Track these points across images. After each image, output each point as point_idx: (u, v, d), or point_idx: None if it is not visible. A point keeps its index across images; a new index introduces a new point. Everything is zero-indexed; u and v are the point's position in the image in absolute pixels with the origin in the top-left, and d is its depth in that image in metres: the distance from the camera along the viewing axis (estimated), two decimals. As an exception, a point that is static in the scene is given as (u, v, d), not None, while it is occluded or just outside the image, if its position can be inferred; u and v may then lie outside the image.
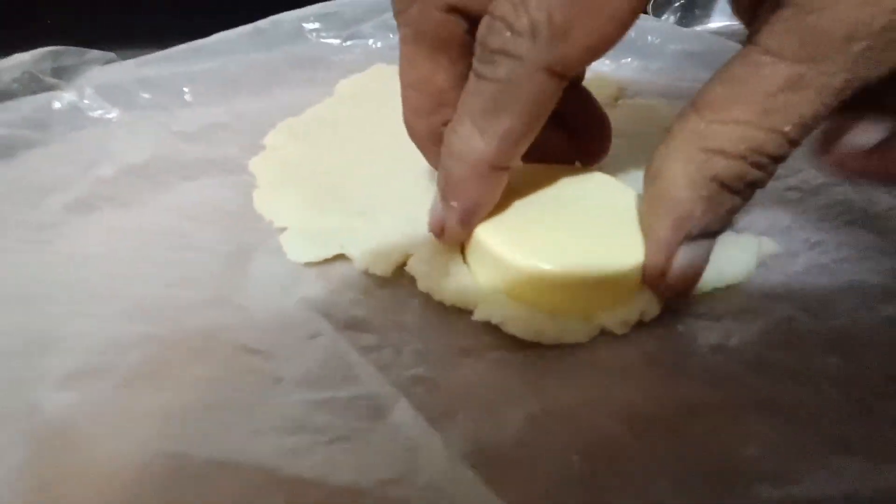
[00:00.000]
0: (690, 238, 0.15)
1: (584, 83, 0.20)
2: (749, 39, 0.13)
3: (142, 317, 0.17)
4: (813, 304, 0.18)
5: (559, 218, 0.17)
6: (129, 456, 0.13)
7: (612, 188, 0.19)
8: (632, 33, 0.14)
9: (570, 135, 0.20)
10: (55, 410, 0.14)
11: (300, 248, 0.20)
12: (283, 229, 0.21)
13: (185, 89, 0.30)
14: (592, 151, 0.21)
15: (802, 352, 0.16)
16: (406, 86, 0.17)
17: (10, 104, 0.28)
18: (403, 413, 0.14)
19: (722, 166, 0.14)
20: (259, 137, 0.26)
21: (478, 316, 0.16)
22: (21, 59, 0.33)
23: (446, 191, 0.16)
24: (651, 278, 0.16)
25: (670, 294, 0.16)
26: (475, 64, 0.15)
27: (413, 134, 0.18)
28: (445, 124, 0.16)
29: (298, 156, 0.25)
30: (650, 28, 0.36)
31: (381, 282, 0.19)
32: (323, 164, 0.24)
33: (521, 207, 0.17)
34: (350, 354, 0.16)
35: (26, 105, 0.28)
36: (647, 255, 0.16)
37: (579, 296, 0.16)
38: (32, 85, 0.32)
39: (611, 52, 0.14)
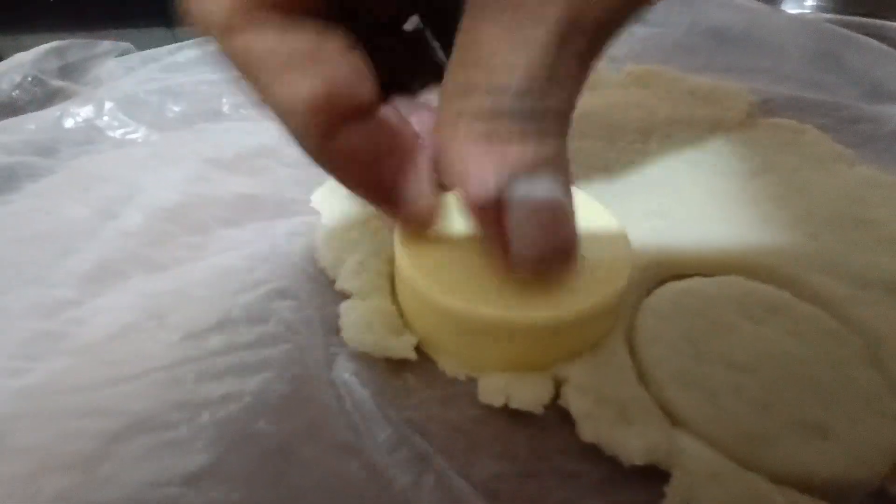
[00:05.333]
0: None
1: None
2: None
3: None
4: None
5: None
6: None
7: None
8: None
9: None
10: None
11: (366, 331, 0.14)
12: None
13: (224, 101, 0.25)
14: None
15: None
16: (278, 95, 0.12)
17: (12, 123, 0.23)
18: None
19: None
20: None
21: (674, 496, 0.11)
22: (21, 61, 0.28)
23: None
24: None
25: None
26: None
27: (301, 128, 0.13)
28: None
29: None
30: (775, 24, 0.30)
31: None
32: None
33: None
34: None
35: (32, 124, 0.23)
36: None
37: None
38: (37, 90, 0.27)
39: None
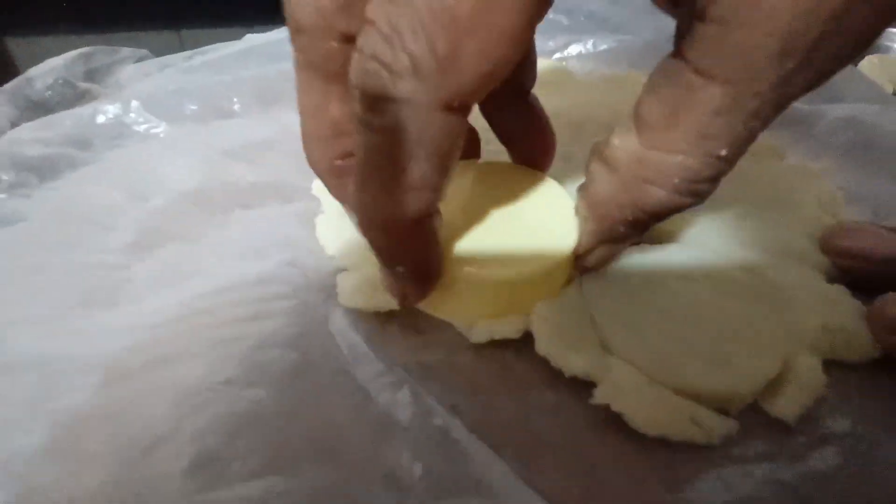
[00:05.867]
0: (611, 241, 0.16)
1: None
2: (677, 50, 0.12)
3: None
4: None
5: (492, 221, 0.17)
6: None
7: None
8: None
9: (512, 145, 0.19)
10: None
11: (353, 294, 0.18)
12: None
13: (235, 100, 0.28)
14: (535, 163, 0.19)
15: None
16: (302, 113, 0.15)
17: (52, 119, 0.26)
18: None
19: (654, 202, 0.14)
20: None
21: (598, 399, 0.14)
22: (54, 65, 0.31)
23: (384, 259, 0.15)
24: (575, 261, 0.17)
25: (581, 271, 0.17)
26: (359, 112, 0.12)
27: (312, 163, 0.16)
28: (344, 157, 0.15)
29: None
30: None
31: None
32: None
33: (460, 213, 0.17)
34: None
35: (69, 120, 0.26)
36: (577, 244, 0.16)
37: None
38: (66, 91, 0.30)
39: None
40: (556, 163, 0.24)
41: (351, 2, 0.13)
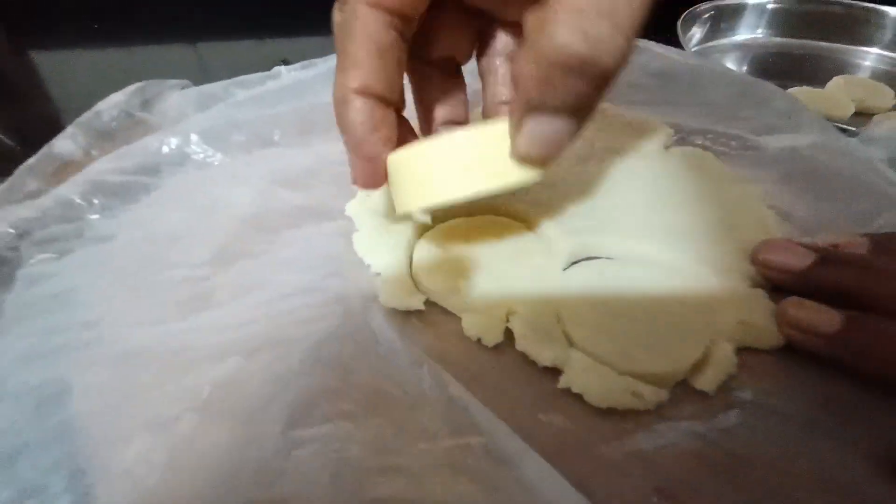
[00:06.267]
0: (534, 109, 0.17)
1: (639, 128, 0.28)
2: None
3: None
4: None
5: None
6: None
7: None
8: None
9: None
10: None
11: (393, 296, 0.23)
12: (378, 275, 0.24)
13: (276, 131, 0.34)
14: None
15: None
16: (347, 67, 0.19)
17: (127, 150, 0.31)
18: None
19: (572, 63, 0.15)
20: (346, 183, 0.30)
21: (563, 383, 0.20)
22: (117, 100, 0.36)
23: (338, 124, 0.20)
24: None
25: (519, 158, 0.18)
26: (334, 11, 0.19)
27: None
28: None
29: (386, 201, 0.28)
30: (707, 71, 0.38)
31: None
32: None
33: None
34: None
35: (140, 151, 0.31)
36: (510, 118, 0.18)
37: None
38: (126, 121, 0.36)
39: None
40: (537, 186, 0.29)
41: None
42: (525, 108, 0.17)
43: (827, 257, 0.23)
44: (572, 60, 0.15)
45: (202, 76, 0.69)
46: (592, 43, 0.15)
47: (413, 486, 0.16)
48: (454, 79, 0.24)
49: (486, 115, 0.24)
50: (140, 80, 0.66)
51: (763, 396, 0.20)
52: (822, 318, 0.21)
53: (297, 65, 0.40)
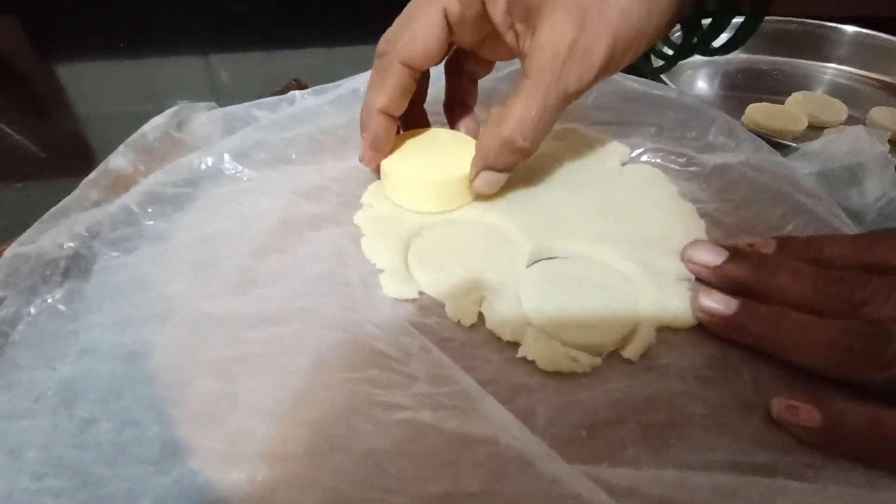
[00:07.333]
0: (487, 168, 0.32)
1: (602, 148, 0.40)
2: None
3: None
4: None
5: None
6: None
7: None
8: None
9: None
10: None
11: (393, 287, 0.30)
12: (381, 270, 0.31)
13: (292, 152, 0.40)
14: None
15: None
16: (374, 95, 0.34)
17: (174, 166, 0.37)
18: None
19: (508, 149, 0.31)
20: (351, 196, 0.36)
21: (520, 353, 0.26)
22: (158, 122, 0.43)
23: (361, 129, 0.34)
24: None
25: (474, 193, 0.34)
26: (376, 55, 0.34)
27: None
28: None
29: (389, 212, 0.35)
30: (670, 97, 0.45)
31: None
32: (405, 220, 0.34)
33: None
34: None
35: (184, 167, 0.38)
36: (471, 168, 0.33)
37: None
38: (166, 140, 0.42)
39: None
40: (511, 201, 0.36)
41: None
42: (482, 166, 0.32)
43: (735, 255, 0.29)
44: (512, 146, 0.31)
45: (213, 88, 0.76)
46: (524, 137, 0.30)
47: (408, 414, 0.23)
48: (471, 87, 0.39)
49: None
50: (154, 90, 0.73)
51: (674, 362, 0.27)
52: (721, 304, 0.27)
53: (308, 90, 0.46)
